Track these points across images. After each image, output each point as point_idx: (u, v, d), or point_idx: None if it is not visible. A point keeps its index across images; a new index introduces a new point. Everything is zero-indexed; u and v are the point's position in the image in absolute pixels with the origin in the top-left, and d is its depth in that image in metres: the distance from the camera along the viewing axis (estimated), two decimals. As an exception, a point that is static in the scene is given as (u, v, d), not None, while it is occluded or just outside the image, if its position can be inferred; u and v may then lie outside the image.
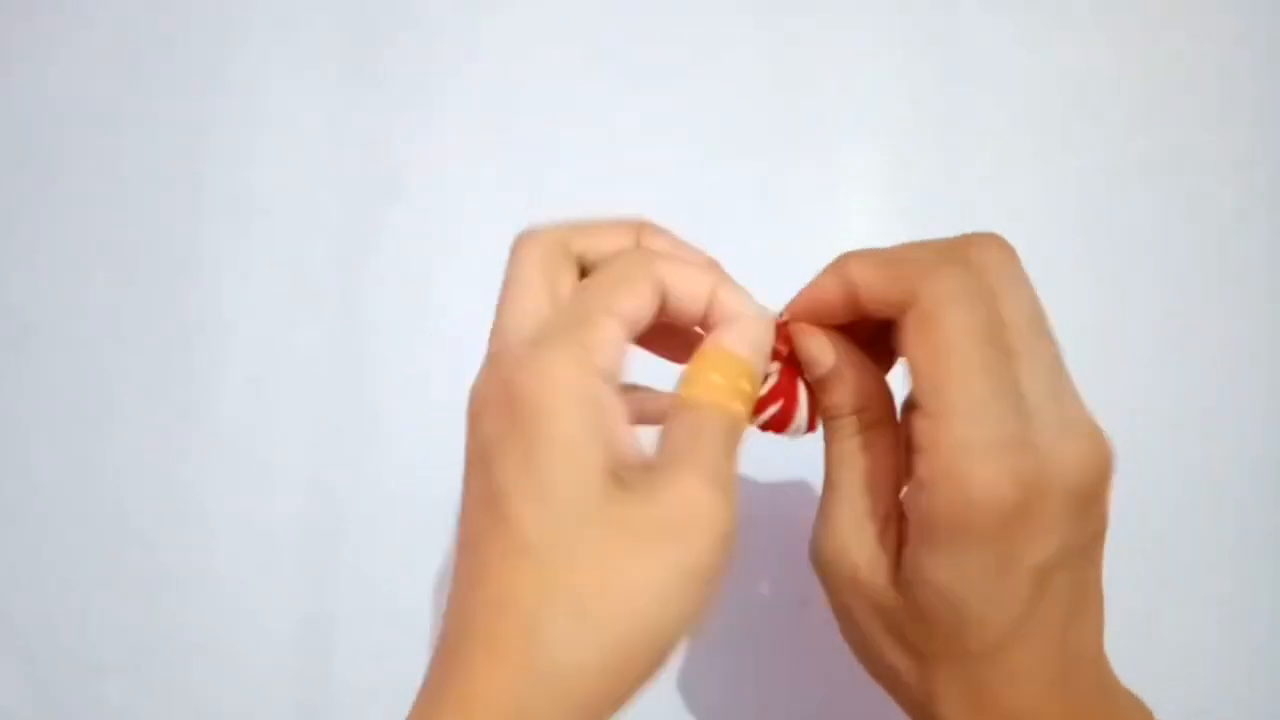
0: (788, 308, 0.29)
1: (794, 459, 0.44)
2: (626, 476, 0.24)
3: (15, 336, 0.50)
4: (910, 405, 0.26)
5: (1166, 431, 0.46)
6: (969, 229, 0.48)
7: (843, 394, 0.27)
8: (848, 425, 0.28)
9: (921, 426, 0.24)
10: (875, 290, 0.26)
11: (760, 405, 0.28)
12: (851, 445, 0.27)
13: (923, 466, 0.24)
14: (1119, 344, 0.47)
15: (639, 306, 0.26)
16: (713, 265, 0.29)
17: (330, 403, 0.48)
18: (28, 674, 0.46)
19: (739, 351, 0.26)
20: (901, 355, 0.25)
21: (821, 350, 0.27)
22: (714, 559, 0.23)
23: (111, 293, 0.50)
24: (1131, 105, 0.49)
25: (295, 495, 0.47)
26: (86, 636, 0.46)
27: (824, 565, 0.28)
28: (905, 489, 0.27)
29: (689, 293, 0.27)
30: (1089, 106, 0.49)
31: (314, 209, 0.50)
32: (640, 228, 0.29)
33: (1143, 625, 0.43)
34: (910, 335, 0.24)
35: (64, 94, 0.52)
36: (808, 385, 0.29)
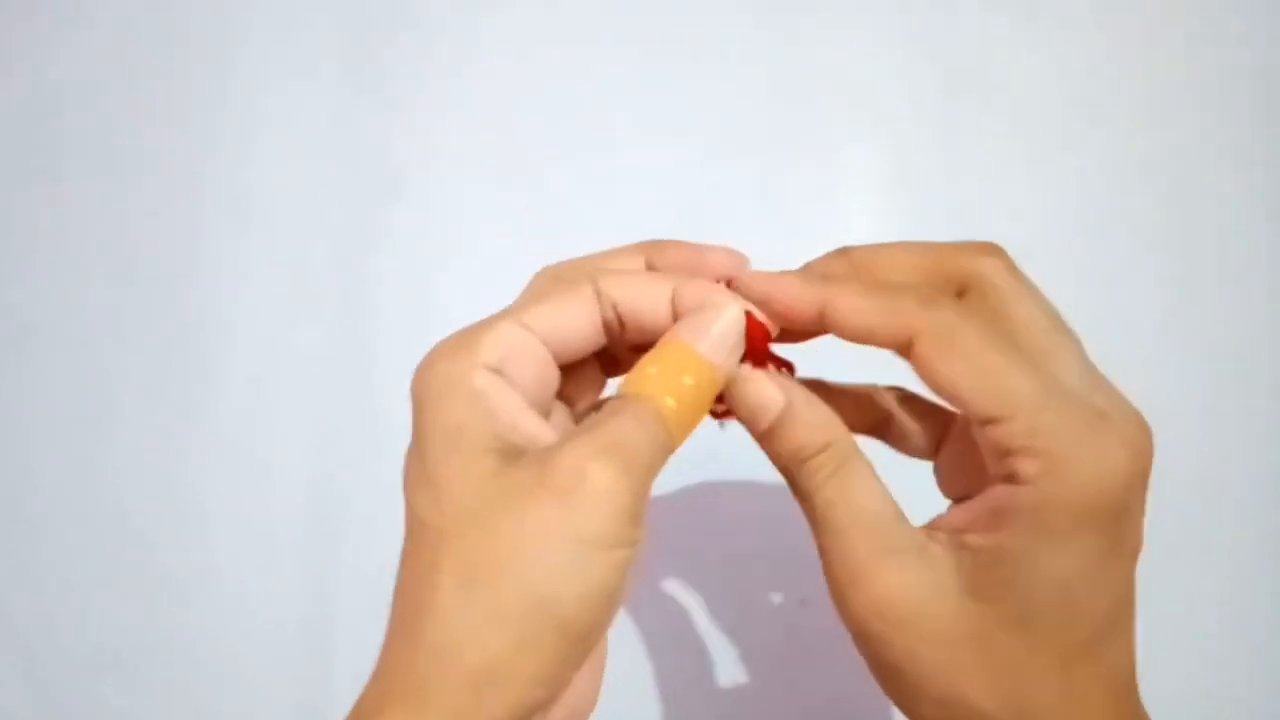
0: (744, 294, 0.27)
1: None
2: (521, 457, 0.24)
3: (15, 336, 0.50)
4: (969, 421, 0.25)
5: (1165, 432, 0.46)
6: (969, 229, 0.48)
7: (805, 434, 0.26)
8: (823, 465, 0.26)
9: (1002, 432, 0.23)
10: (865, 327, 0.25)
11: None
12: (836, 484, 0.25)
13: (1025, 464, 0.23)
14: (1118, 344, 0.47)
15: (549, 311, 0.26)
16: (687, 275, 0.27)
17: (330, 403, 0.48)
18: (28, 674, 0.46)
19: (682, 340, 0.25)
20: (928, 383, 0.25)
21: (770, 396, 0.26)
22: (606, 528, 0.23)
23: (111, 293, 0.50)
24: (1131, 105, 0.49)
25: (295, 495, 0.47)
26: (86, 636, 0.46)
27: (867, 617, 0.25)
28: (981, 496, 0.25)
29: (644, 304, 0.26)
30: (1089, 107, 0.49)
31: (314, 209, 0.50)
32: (650, 247, 0.28)
33: (1142, 627, 0.43)
34: (933, 364, 0.24)
35: (64, 94, 0.52)
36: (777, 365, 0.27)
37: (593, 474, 0.23)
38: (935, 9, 0.50)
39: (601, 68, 0.50)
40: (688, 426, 0.25)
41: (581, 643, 0.23)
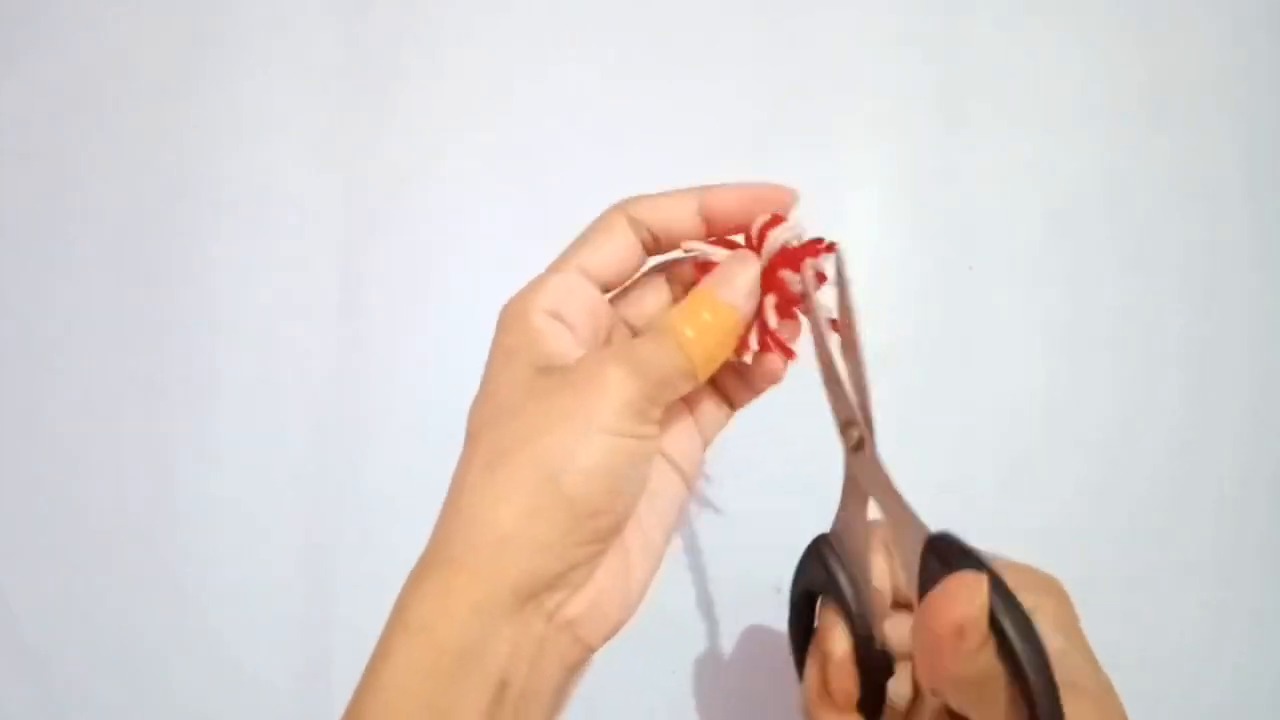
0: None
1: (791, 457, 0.44)
2: (558, 368, 0.28)
3: (15, 336, 0.50)
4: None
5: (1166, 432, 0.46)
6: (969, 229, 0.48)
7: None
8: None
9: None
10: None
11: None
12: None
13: None
14: (1118, 344, 0.47)
15: (597, 252, 0.30)
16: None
17: (330, 402, 0.48)
18: (28, 674, 0.46)
19: (705, 286, 0.29)
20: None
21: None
22: (612, 416, 0.27)
23: (111, 293, 0.50)
24: (1132, 106, 0.49)
25: (295, 495, 0.47)
26: (86, 636, 0.46)
27: None
28: None
29: (670, 216, 0.31)
30: (1089, 107, 0.49)
31: (314, 208, 0.50)
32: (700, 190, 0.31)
33: (1142, 627, 0.43)
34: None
35: (64, 94, 0.52)
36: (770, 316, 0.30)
37: (606, 371, 0.27)
38: (935, 9, 0.50)
39: (602, 68, 0.50)
40: (709, 355, 0.29)
41: (587, 519, 0.27)
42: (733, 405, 0.33)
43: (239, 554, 0.47)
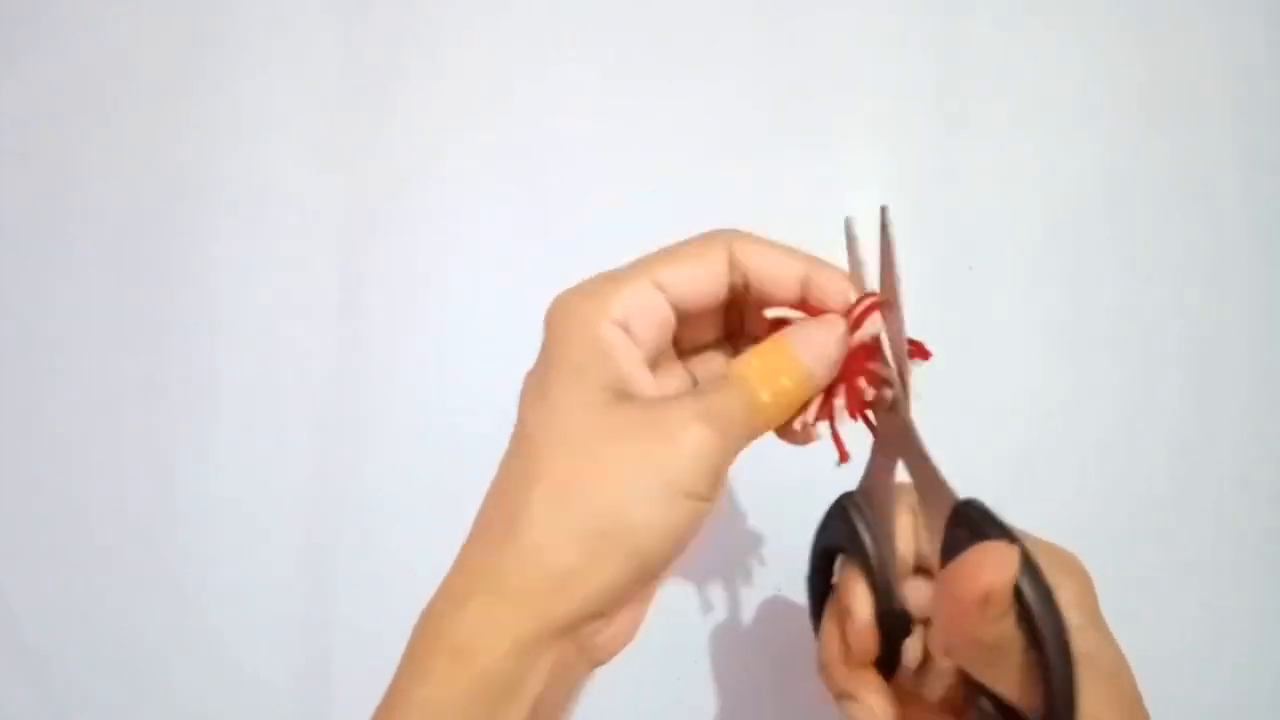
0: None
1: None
2: (635, 400, 0.27)
3: (15, 336, 0.50)
4: None
5: (1166, 432, 0.46)
6: (969, 229, 0.48)
7: None
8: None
9: None
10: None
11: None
12: None
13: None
14: (1118, 344, 0.47)
15: (682, 273, 0.28)
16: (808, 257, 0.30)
17: (330, 402, 0.48)
18: (28, 674, 0.46)
19: (791, 343, 0.28)
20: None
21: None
22: (693, 478, 0.25)
23: (111, 293, 0.50)
24: (1132, 106, 0.49)
25: (295, 494, 0.47)
26: (86, 636, 0.46)
27: None
28: None
29: (773, 273, 0.29)
30: (1089, 107, 0.49)
31: (314, 208, 0.50)
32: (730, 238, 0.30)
33: (1142, 627, 0.43)
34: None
35: (64, 94, 0.52)
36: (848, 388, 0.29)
37: (695, 430, 0.26)
38: (936, 9, 0.50)
39: (601, 68, 0.50)
40: (774, 422, 0.28)
41: (646, 571, 0.26)
42: None
43: (239, 554, 0.47)
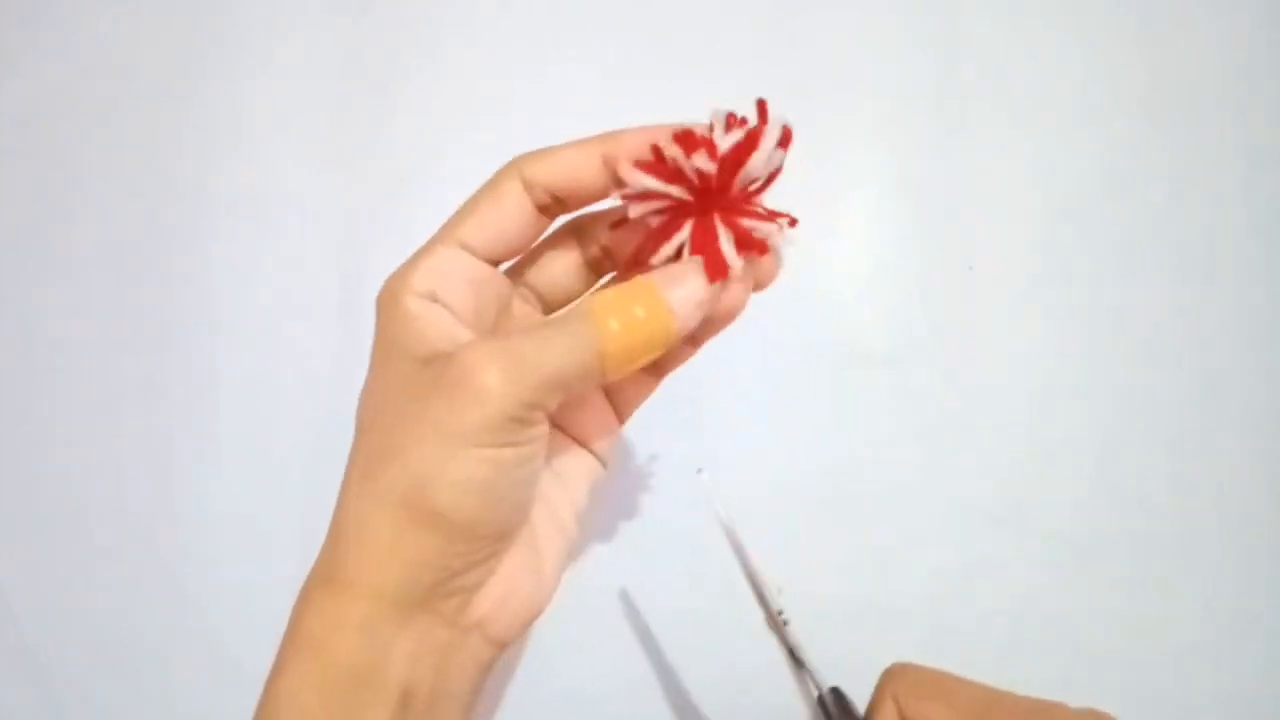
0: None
1: (793, 454, 0.44)
2: (436, 359, 0.25)
3: (15, 336, 0.50)
4: None
5: (1166, 432, 0.46)
6: (969, 229, 0.48)
7: None
8: None
9: None
10: None
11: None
12: None
13: None
14: (1118, 344, 0.47)
15: (484, 221, 0.27)
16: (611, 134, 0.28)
17: (330, 402, 0.48)
18: (28, 674, 0.46)
19: (650, 280, 0.26)
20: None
21: None
22: (480, 427, 0.24)
23: (111, 293, 0.50)
24: (1132, 106, 0.49)
25: (295, 494, 0.47)
26: (86, 636, 0.46)
27: None
28: None
29: (570, 172, 0.27)
30: (1089, 107, 0.49)
31: (314, 208, 0.50)
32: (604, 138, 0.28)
33: (1142, 627, 0.43)
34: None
35: (64, 94, 0.52)
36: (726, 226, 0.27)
37: (481, 374, 0.24)
38: (935, 9, 0.50)
39: (602, 68, 0.50)
40: (627, 354, 0.26)
41: (465, 532, 0.25)
42: (660, 372, 0.31)
43: (239, 554, 0.47)
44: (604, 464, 0.31)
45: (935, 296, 0.47)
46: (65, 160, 0.52)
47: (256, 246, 0.50)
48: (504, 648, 0.28)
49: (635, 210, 0.27)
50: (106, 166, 0.51)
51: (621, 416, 0.32)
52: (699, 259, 0.26)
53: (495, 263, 0.28)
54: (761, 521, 0.44)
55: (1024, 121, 0.49)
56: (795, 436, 0.45)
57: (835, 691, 0.29)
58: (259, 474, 0.47)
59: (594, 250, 0.29)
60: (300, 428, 0.47)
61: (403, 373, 0.26)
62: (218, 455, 0.48)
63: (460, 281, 0.27)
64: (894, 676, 0.28)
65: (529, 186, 0.28)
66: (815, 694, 0.29)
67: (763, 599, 0.30)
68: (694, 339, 0.29)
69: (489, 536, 0.26)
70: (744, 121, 0.26)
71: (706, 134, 0.26)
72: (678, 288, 0.26)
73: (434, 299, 0.27)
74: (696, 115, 0.49)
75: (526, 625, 0.28)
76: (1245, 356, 0.46)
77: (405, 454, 0.25)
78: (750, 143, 0.26)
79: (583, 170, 0.27)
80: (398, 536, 0.25)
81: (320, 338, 0.48)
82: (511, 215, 0.28)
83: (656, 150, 0.26)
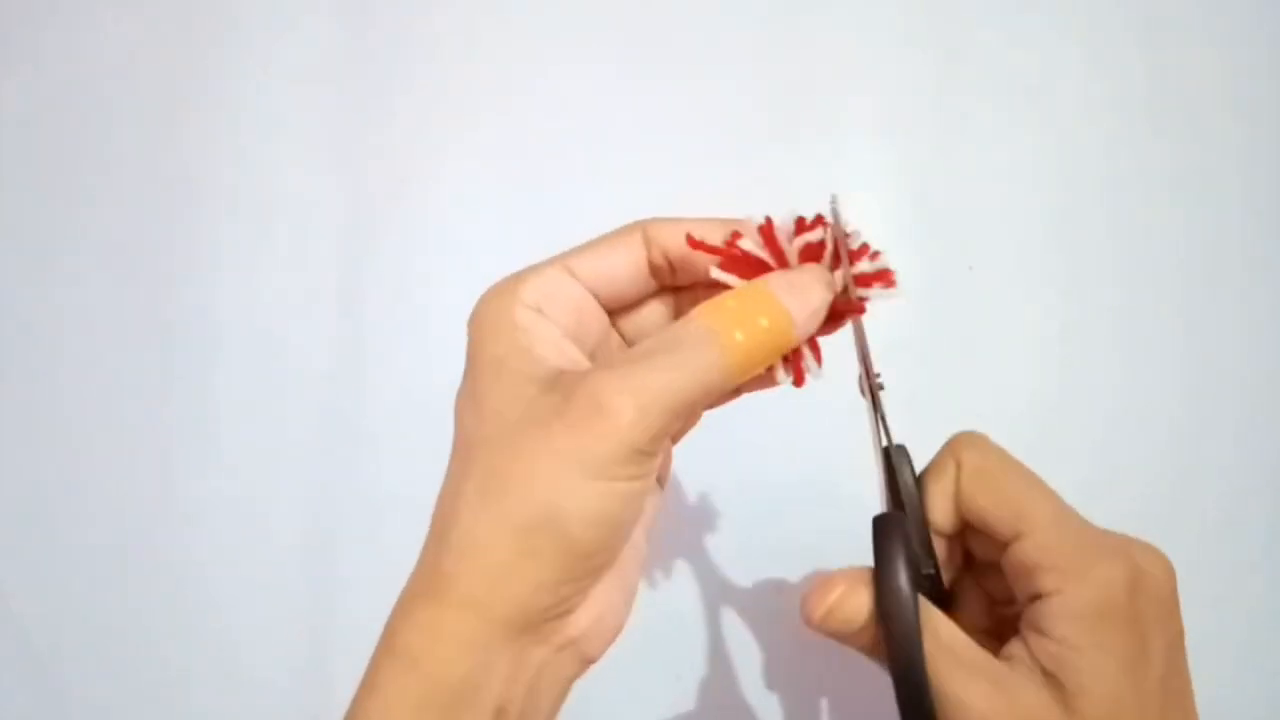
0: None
1: (798, 460, 0.44)
2: (560, 384, 0.25)
3: (15, 336, 0.50)
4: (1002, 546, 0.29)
5: (1165, 432, 0.46)
6: (969, 229, 0.48)
7: None
8: None
9: (1023, 549, 0.28)
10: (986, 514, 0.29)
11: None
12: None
13: (1045, 579, 0.27)
14: (1118, 344, 0.47)
15: (596, 258, 0.28)
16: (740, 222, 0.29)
17: (330, 402, 0.48)
18: (28, 674, 0.46)
19: (768, 288, 0.27)
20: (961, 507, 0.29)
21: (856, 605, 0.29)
22: (610, 461, 0.24)
23: (112, 292, 0.50)
24: (1132, 106, 0.49)
25: (295, 494, 0.47)
26: (87, 636, 0.46)
27: None
28: (1023, 622, 0.28)
29: (697, 236, 0.28)
30: (1089, 107, 0.49)
31: (314, 208, 0.50)
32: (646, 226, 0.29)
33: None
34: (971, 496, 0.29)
35: (63, 93, 0.52)
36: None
37: (612, 410, 0.24)
38: (935, 9, 0.50)
39: (602, 67, 0.50)
40: (751, 367, 0.26)
41: (585, 560, 0.25)
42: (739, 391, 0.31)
43: (239, 554, 0.47)
44: (662, 484, 0.31)
45: (935, 296, 0.47)
46: (65, 160, 0.52)
47: (256, 246, 0.50)
48: (590, 664, 0.28)
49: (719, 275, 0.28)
50: (106, 166, 0.51)
51: (675, 436, 0.32)
52: (817, 265, 0.27)
53: (604, 305, 0.29)
54: (747, 518, 0.44)
55: (1024, 121, 0.49)
56: (795, 436, 0.45)
57: (900, 448, 0.30)
58: (259, 473, 0.47)
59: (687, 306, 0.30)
60: (300, 427, 0.48)
61: (521, 393, 0.26)
62: (218, 455, 0.48)
63: (566, 302, 0.27)
64: (961, 446, 0.30)
65: (649, 242, 0.28)
66: (883, 446, 0.30)
67: (865, 356, 0.30)
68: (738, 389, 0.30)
69: (605, 563, 0.26)
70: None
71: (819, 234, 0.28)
72: (799, 297, 0.26)
73: (540, 312, 0.27)
74: (695, 114, 0.49)
75: (612, 642, 0.28)
76: (1245, 357, 0.46)
77: (530, 479, 0.24)
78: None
79: (706, 240, 0.28)
80: (518, 559, 0.24)
81: (320, 338, 0.48)
82: (624, 262, 0.28)
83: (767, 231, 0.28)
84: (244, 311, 0.49)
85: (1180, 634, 0.28)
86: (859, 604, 0.28)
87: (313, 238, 0.49)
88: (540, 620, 0.25)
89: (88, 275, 0.50)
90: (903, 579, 0.27)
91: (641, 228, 0.28)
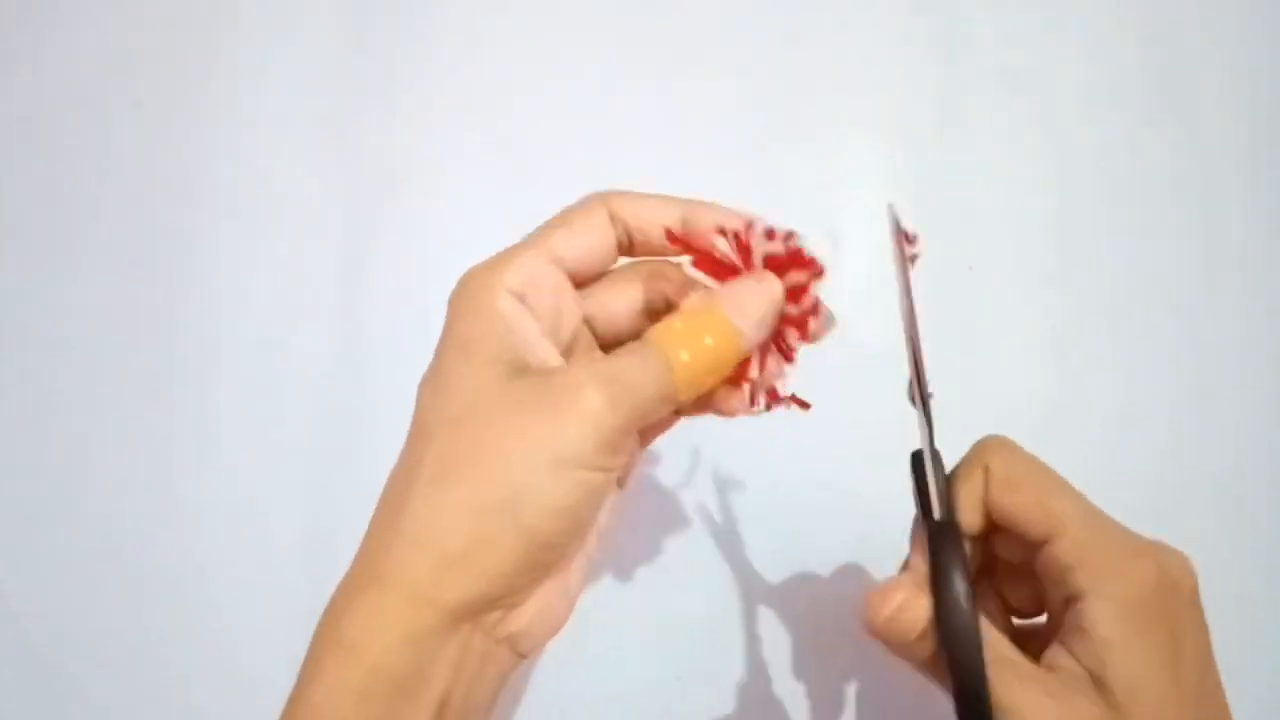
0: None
1: (801, 462, 0.44)
2: (529, 373, 0.26)
3: (14, 337, 0.50)
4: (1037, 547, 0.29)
5: (1165, 432, 0.46)
6: (970, 228, 0.48)
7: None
8: None
9: (1056, 550, 0.28)
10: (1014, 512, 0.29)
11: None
12: None
13: (1078, 578, 0.27)
14: (1118, 344, 0.47)
15: (574, 239, 0.28)
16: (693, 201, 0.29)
17: (330, 402, 0.48)
18: (28, 674, 0.46)
19: (716, 305, 0.27)
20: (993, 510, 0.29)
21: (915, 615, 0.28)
22: (582, 449, 0.24)
23: (112, 293, 0.50)
24: (1132, 106, 0.49)
25: (295, 494, 0.47)
26: (87, 636, 0.46)
27: None
28: (1062, 628, 0.28)
29: (652, 218, 0.28)
30: (1089, 107, 0.49)
31: (314, 208, 0.50)
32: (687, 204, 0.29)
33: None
34: (1002, 500, 0.29)
35: (63, 93, 0.52)
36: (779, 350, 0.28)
37: (586, 396, 0.24)
38: (935, 9, 0.50)
39: (601, 67, 0.50)
40: (698, 383, 0.27)
41: (541, 551, 0.25)
42: (679, 411, 0.31)
43: (239, 554, 0.47)
44: (621, 485, 0.31)
45: (935, 296, 0.47)
46: (65, 160, 0.52)
47: (256, 246, 0.50)
48: (522, 661, 0.28)
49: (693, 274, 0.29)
50: (106, 167, 0.51)
51: (645, 440, 0.32)
52: (766, 274, 0.27)
53: (575, 283, 0.29)
54: (762, 514, 0.44)
55: (1024, 121, 0.49)
56: (793, 435, 0.45)
57: (935, 452, 0.30)
58: (259, 473, 0.47)
59: (656, 297, 0.30)
60: (300, 427, 0.48)
61: (488, 377, 0.25)
62: (218, 455, 0.48)
63: (548, 290, 0.27)
64: (989, 450, 0.30)
65: (613, 218, 0.28)
66: (932, 450, 0.30)
67: (917, 361, 0.30)
68: (681, 410, 0.30)
69: (559, 558, 0.26)
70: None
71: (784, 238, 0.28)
72: (741, 311, 0.27)
73: (522, 300, 0.27)
74: (695, 114, 0.49)
75: (548, 640, 0.28)
76: (1245, 356, 0.46)
77: (493, 464, 0.24)
78: (797, 262, 0.28)
79: (663, 221, 0.28)
80: (472, 545, 0.24)
81: (320, 338, 0.48)
82: (599, 243, 0.28)
83: (736, 235, 0.28)
84: (244, 311, 0.49)
85: (1208, 636, 0.28)
86: (919, 613, 0.28)
87: (312, 238, 0.49)
88: (486, 610, 0.25)
89: (87, 275, 0.50)
90: (962, 591, 0.27)
91: (604, 203, 0.28)
